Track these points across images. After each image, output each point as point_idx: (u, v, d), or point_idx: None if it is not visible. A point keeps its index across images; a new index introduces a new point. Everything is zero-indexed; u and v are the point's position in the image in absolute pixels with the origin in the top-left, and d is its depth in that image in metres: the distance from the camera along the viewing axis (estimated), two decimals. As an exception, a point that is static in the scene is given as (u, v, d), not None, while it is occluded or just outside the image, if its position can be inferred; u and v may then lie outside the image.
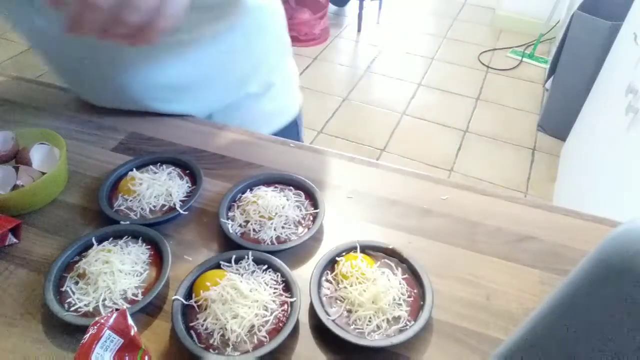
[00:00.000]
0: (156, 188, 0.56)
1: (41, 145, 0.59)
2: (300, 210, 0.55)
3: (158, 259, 0.50)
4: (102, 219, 0.55)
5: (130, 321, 0.40)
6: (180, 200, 0.56)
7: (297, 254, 0.52)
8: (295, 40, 2.77)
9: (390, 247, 0.50)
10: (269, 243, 0.52)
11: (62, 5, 0.36)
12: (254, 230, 0.53)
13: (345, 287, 0.46)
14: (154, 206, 0.56)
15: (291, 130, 0.81)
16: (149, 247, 0.51)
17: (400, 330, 0.44)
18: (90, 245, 0.50)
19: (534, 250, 0.54)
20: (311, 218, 0.55)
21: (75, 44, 0.56)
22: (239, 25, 0.64)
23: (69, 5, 0.36)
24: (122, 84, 0.64)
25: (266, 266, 0.48)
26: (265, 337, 0.43)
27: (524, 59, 2.73)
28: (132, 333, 0.40)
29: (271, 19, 0.69)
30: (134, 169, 0.59)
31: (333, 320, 0.44)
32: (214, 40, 0.63)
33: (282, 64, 0.77)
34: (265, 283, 0.47)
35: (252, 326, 0.43)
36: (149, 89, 0.66)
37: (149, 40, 0.39)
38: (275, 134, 0.78)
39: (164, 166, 0.61)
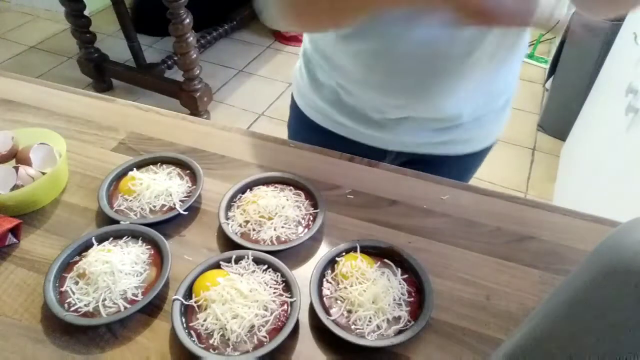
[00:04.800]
0: (156, 188, 0.56)
1: (41, 145, 0.59)
2: (300, 210, 0.55)
3: (158, 259, 0.50)
4: (102, 219, 0.55)
5: None
6: (180, 200, 0.56)
7: (297, 254, 0.52)
8: (295, 40, 2.77)
9: (390, 247, 0.50)
10: (269, 243, 0.52)
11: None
12: (253, 230, 0.53)
13: (345, 287, 0.46)
14: (154, 206, 0.56)
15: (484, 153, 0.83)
16: (149, 247, 0.51)
17: (400, 331, 0.44)
18: (90, 245, 0.50)
19: (534, 250, 0.54)
20: (311, 218, 0.55)
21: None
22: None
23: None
24: (432, 90, 0.61)
25: (266, 266, 0.48)
26: (265, 337, 0.43)
27: (524, 59, 2.73)
28: None
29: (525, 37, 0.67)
30: (134, 169, 0.59)
31: (333, 320, 0.44)
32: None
33: (515, 81, 0.75)
34: (265, 283, 0.47)
35: (252, 326, 0.43)
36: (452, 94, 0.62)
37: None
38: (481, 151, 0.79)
39: (164, 166, 0.61)
